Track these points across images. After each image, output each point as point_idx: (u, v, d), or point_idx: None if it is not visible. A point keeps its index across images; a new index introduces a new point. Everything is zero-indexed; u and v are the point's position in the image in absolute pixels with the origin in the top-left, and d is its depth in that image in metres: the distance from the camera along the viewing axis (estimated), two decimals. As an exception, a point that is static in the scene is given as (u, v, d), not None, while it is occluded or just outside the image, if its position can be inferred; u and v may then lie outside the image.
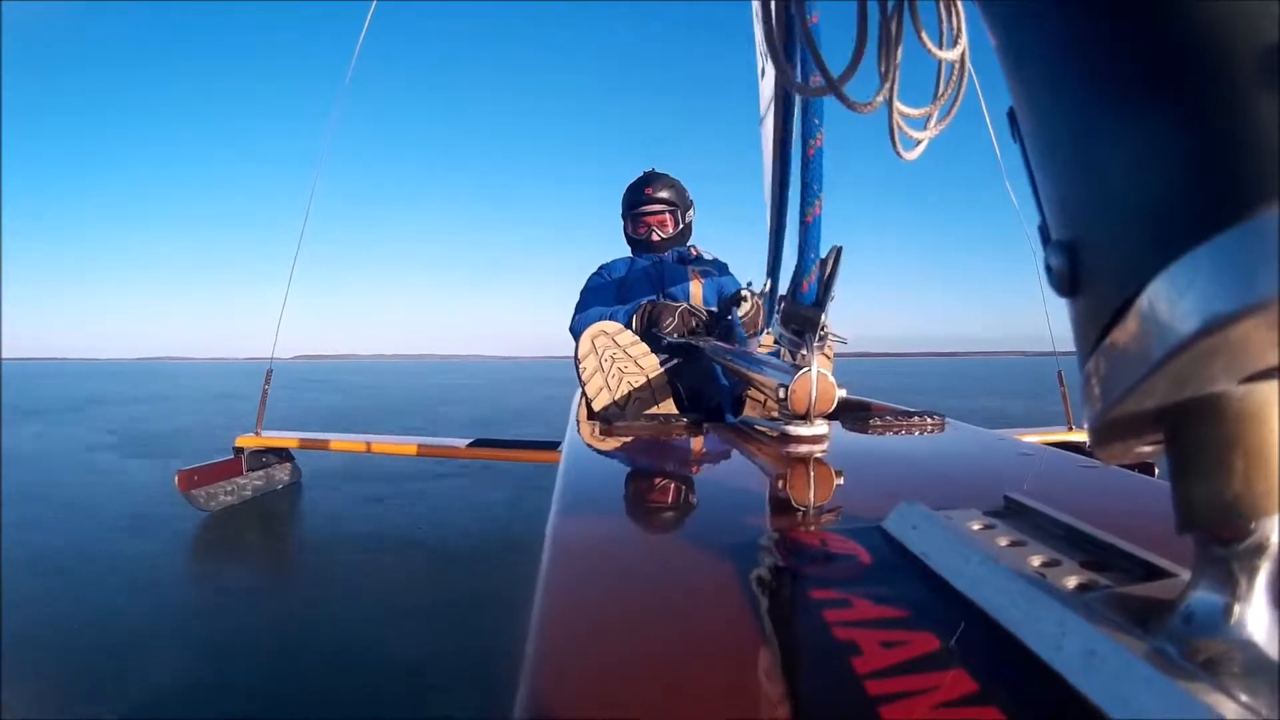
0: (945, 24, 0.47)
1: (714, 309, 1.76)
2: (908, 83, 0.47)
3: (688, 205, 2.02)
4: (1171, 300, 0.18)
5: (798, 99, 0.98)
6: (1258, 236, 0.16)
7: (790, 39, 0.72)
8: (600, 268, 2.02)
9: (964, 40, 0.48)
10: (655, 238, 1.97)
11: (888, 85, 0.46)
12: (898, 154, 0.53)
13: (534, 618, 0.31)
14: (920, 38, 0.46)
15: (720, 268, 1.98)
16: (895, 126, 0.50)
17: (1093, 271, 0.22)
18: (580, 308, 1.89)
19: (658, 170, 2.06)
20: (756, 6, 1.27)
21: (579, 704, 0.24)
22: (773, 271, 1.64)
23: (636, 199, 1.99)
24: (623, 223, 2.06)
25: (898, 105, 0.49)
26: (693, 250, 2.02)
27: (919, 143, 0.53)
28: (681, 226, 2.00)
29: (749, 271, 1.91)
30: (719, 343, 1.51)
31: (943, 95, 0.52)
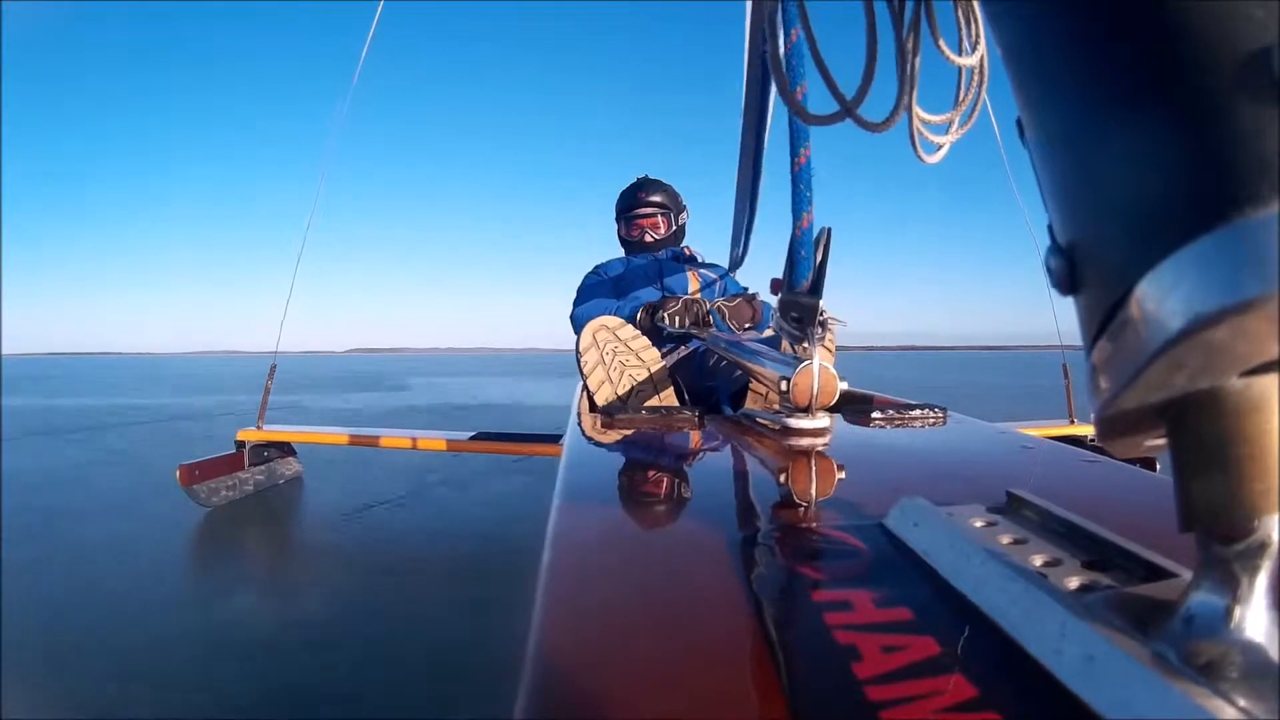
0: (964, 30, 0.47)
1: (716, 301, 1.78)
2: (923, 82, 0.47)
3: (680, 208, 2.06)
4: (1158, 300, 0.18)
5: (772, 108, 0.98)
6: (1241, 238, 0.17)
7: (792, 64, 0.72)
8: (596, 267, 2.05)
9: (983, 45, 0.48)
10: (648, 239, 2.01)
11: (906, 95, 0.45)
12: (919, 158, 0.53)
13: (535, 615, 0.31)
14: (938, 45, 0.45)
15: (717, 270, 2.01)
16: (915, 132, 0.50)
17: (1088, 272, 0.22)
18: (579, 303, 1.91)
19: (651, 177, 2.10)
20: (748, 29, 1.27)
21: (579, 704, 0.24)
22: (734, 267, 1.68)
23: (630, 202, 2.04)
24: (616, 226, 2.09)
25: (918, 112, 0.48)
26: (687, 250, 2.05)
27: (940, 147, 0.53)
28: (675, 228, 2.04)
29: (746, 277, 1.96)
30: (718, 334, 1.51)
31: (963, 101, 0.51)
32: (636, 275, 1.93)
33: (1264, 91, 0.17)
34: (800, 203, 0.81)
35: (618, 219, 2.08)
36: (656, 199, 2.02)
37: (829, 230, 0.80)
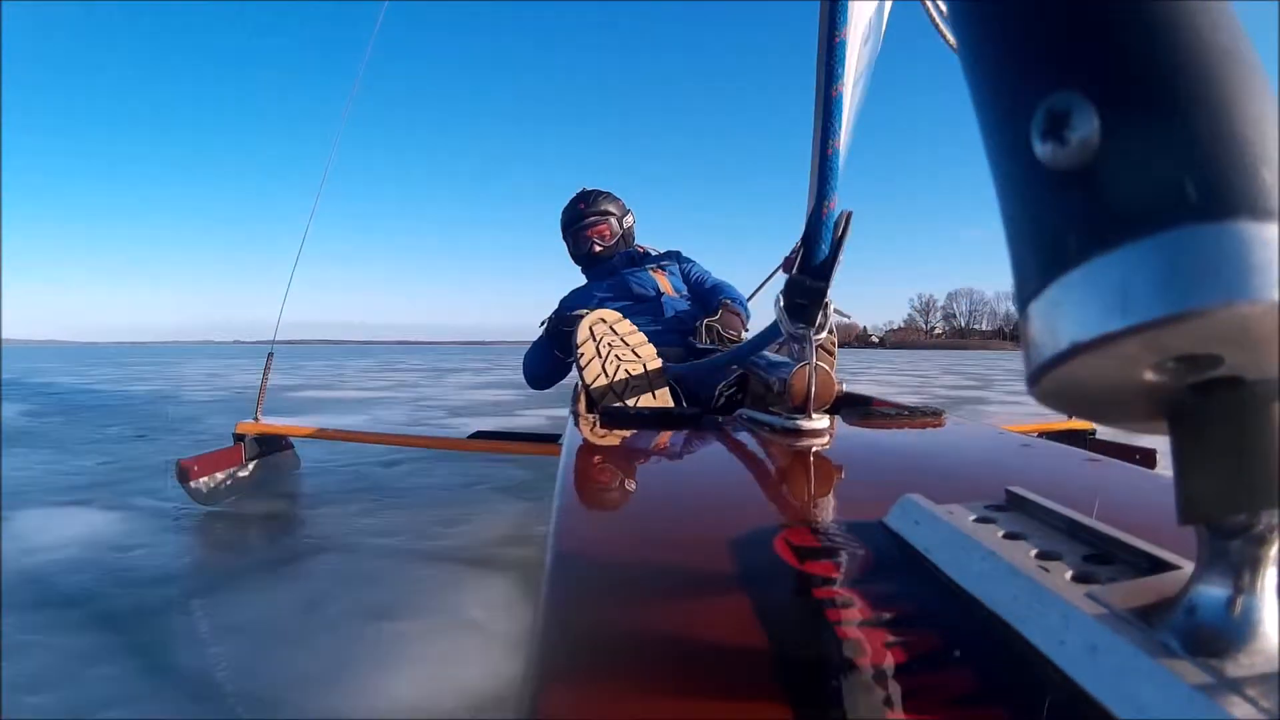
0: None
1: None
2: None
3: (624, 211, 2.08)
4: (1035, 330, 0.19)
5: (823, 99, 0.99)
6: (1076, 288, 0.17)
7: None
8: (562, 300, 2.07)
9: None
10: (596, 248, 2.02)
11: None
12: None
13: (537, 615, 0.31)
14: None
15: (675, 257, 2.03)
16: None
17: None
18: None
19: (588, 188, 2.12)
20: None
21: (581, 703, 0.24)
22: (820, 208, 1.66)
23: (573, 216, 2.06)
24: (566, 247, 2.11)
25: None
26: (639, 249, 2.07)
27: None
28: (622, 231, 2.06)
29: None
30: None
31: None
32: (603, 293, 1.93)
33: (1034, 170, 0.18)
34: (827, 189, 0.80)
35: (565, 238, 2.10)
36: (598, 207, 2.03)
37: (849, 214, 0.79)
